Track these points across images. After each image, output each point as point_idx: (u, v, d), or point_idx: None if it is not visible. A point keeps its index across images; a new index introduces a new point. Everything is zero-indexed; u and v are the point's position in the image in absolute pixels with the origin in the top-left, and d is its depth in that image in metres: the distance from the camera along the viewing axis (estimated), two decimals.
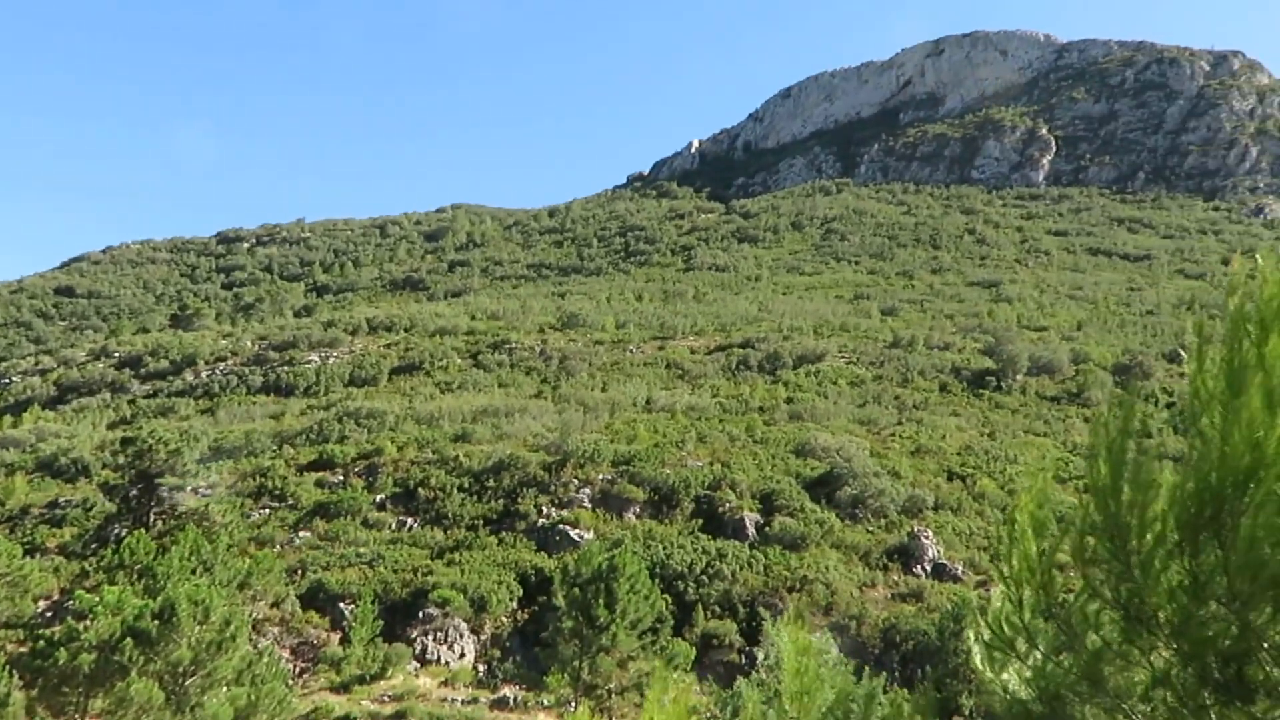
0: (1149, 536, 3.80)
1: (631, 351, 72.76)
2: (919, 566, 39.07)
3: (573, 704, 27.75)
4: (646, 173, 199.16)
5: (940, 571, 38.77)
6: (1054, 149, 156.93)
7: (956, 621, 29.52)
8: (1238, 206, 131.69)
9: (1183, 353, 4.61)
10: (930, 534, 40.66)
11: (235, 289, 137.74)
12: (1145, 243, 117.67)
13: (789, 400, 59.82)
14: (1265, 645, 3.72)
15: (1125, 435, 3.95)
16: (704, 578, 36.73)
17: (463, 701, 30.04)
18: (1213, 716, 4.05)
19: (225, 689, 20.65)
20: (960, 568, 38.74)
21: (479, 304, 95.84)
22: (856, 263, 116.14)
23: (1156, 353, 67.84)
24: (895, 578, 38.36)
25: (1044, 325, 79.99)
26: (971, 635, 4.55)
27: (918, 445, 51.79)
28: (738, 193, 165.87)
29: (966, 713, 23.45)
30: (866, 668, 17.18)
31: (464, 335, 79.86)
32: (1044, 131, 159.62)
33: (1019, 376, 65.54)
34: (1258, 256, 4.04)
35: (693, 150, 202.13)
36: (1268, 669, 3.76)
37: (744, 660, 32.32)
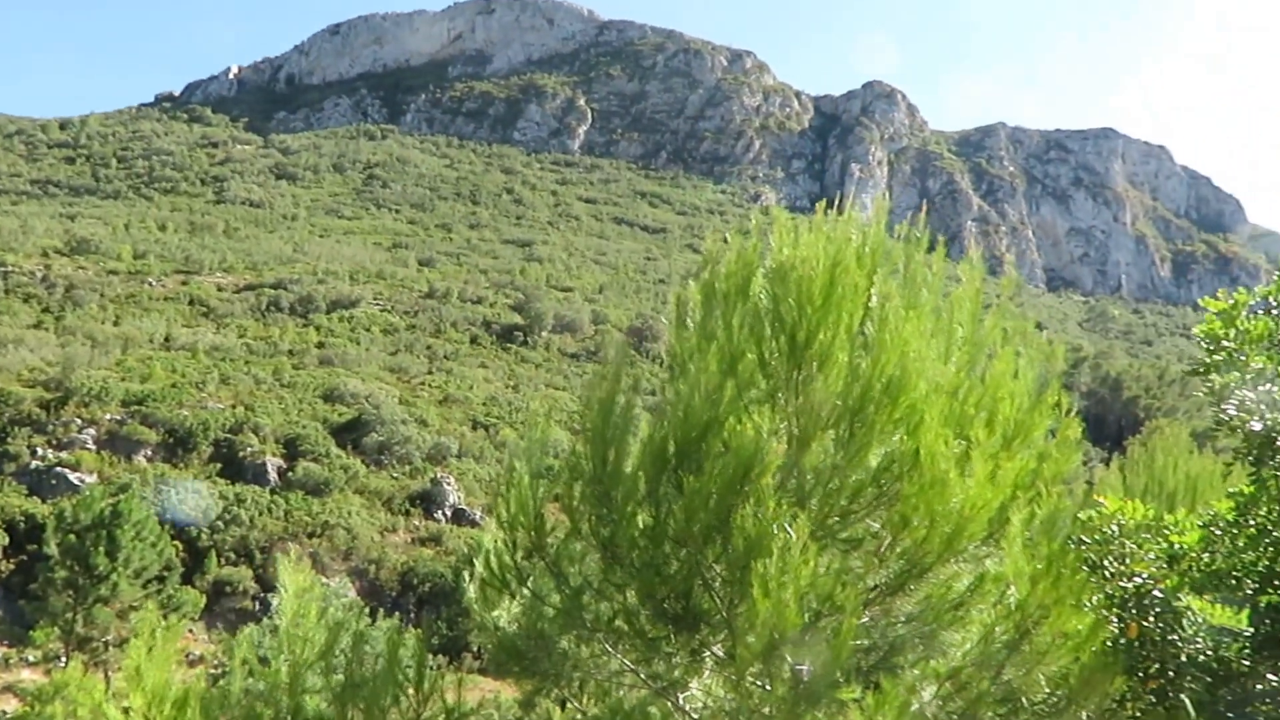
0: (626, 484, 4.31)
1: (151, 284, 66.77)
2: (440, 512, 40.16)
3: (63, 659, 25.34)
4: (178, 94, 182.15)
5: (460, 516, 40.13)
6: (590, 120, 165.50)
7: (471, 564, 30.70)
8: (740, 192, 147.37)
9: (665, 321, 5.32)
10: (453, 480, 41.89)
11: None
12: (663, 217, 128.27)
13: (320, 345, 58.34)
14: (709, 580, 4.38)
15: (613, 392, 4.43)
16: (219, 524, 35.06)
17: None
18: (666, 644, 4.70)
19: None
20: (480, 513, 40.25)
21: None
22: (397, 211, 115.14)
23: (665, 317, 74.49)
24: (417, 523, 39.14)
25: (570, 286, 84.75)
26: (468, 576, 4.89)
27: (446, 394, 52.88)
28: (278, 127, 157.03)
29: (476, 649, 24.56)
30: (381, 610, 17.45)
31: None
32: (582, 103, 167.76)
33: (545, 333, 69.08)
34: (726, 237, 4.72)
35: (231, 76, 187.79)
36: (711, 601, 4.45)
37: (258, 607, 31.31)
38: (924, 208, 4.67)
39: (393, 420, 44.66)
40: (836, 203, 4.62)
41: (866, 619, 4.34)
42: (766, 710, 4.21)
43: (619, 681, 4.93)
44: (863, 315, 4.24)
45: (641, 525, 4.31)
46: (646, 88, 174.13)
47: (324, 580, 25.75)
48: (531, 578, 4.81)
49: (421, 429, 45.48)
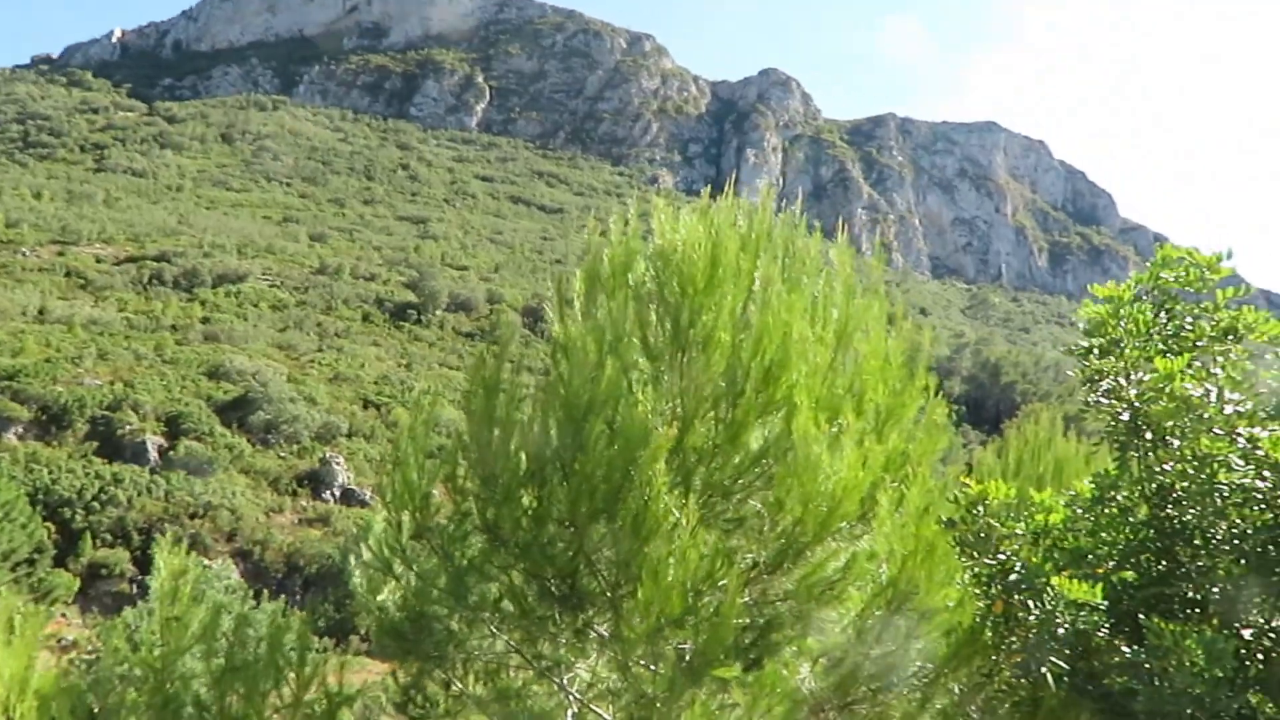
0: (510, 465, 4.30)
1: (24, 254, 63.77)
2: (329, 492, 39.43)
3: None
4: (56, 56, 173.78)
5: (350, 497, 39.46)
6: (488, 98, 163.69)
7: (358, 545, 30.27)
8: (638, 174, 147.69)
9: (548, 305, 5.27)
10: (342, 460, 41.15)
11: None
12: (560, 197, 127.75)
13: (205, 320, 56.59)
14: (595, 562, 4.40)
15: (498, 371, 4.41)
16: (95, 504, 33.77)
17: None
18: (551, 625, 4.70)
19: None
20: (369, 493, 39.64)
21: None
22: (288, 185, 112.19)
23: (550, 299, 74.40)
24: (304, 503, 38.34)
25: (465, 265, 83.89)
26: (353, 559, 4.82)
27: (336, 373, 51.86)
28: (164, 94, 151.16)
29: (364, 632, 24.24)
30: (266, 592, 17.07)
31: None
32: (480, 80, 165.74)
33: (439, 311, 68.24)
34: (611, 222, 4.72)
35: (114, 40, 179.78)
36: (596, 582, 4.46)
37: (136, 590, 30.32)
38: (800, 196, 4.75)
39: (280, 398, 43.60)
40: (725, 187, 4.67)
41: (747, 598, 4.42)
42: (650, 690, 4.26)
43: (504, 662, 4.93)
44: (745, 298, 4.30)
45: (526, 506, 4.31)
46: (546, 67, 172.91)
47: (206, 563, 25.07)
48: (417, 559, 4.77)
49: (310, 407, 44.52)
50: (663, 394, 4.29)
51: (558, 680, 4.81)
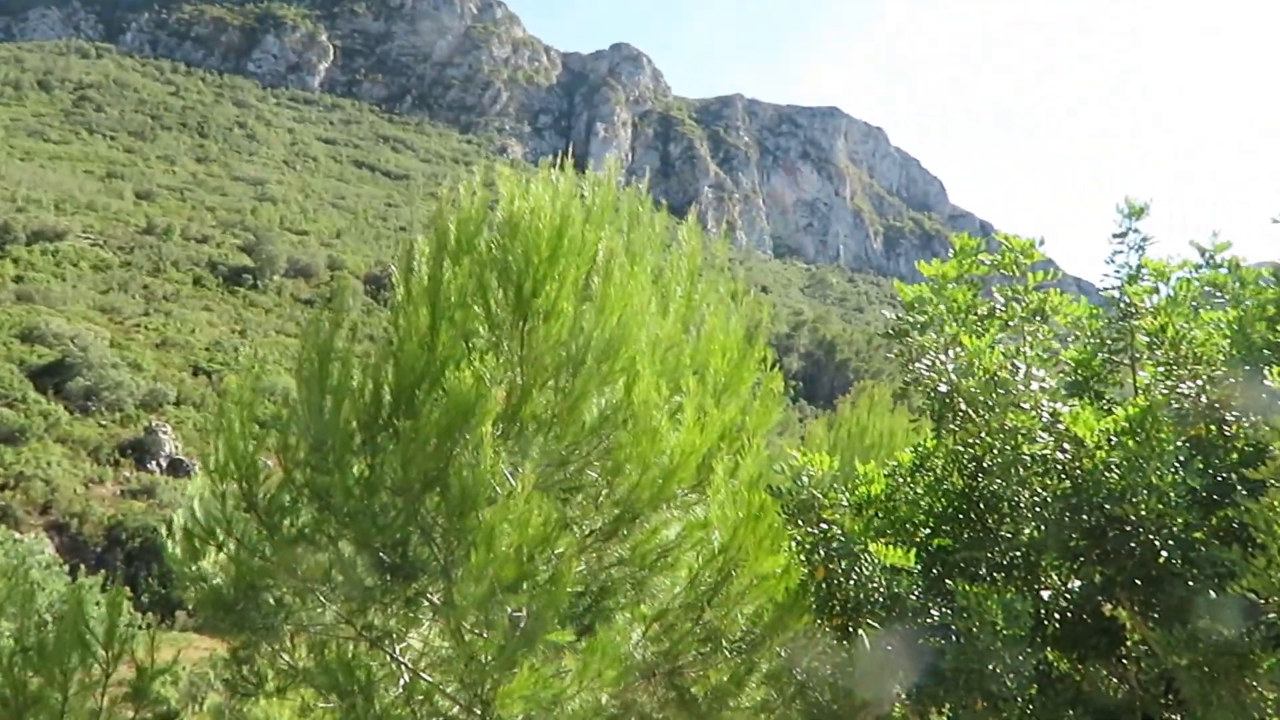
0: (341, 432, 4.22)
1: None
2: (155, 462, 37.75)
3: None
4: None
5: (177, 467, 37.86)
6: (332, 57, 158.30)
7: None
8: (487, 143, 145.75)
9: (393, 270, 5.19)
10: (169, 429, 39.42)
11: None
12: (406, 163, 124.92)
13: (18, 280, 53.13)
14: (428, 529, 4.37)
15: (331, 337, 4.32)
16: None
17: None
18: (383, 594, 4.65)
19: None
20: (198, 463, 38.17)
21: None
22: (113, 138, 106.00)
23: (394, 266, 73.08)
24: (127, 474, 36.61)
25: (305, 230, 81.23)
26: (167, 529, 4.65)
27: (164, 338, 49.58)
28: None
29: (190, 606, 23.39)
30: (83, 566, 16.26)
31: None
32: (324, 38, 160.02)
33: (276, 277, 65.95)
34: (460, 189, 4.67)
35: None
36: (429, 550, 4.44)
37: None
38: (648, 172, 4.81)
39: (102, 364, 41.40)
40: (570, 158, 4.68)
41: (582, 566, 4.48)
42: (483, 656, 4.27)
43: (334, 634, 4.85)
44: (588, 269, 4.33)
45: (357, 474, 4.25)
46: (393, 28, 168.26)
47: (16, 536, 23.68)
48: (243, 529, 4.63)
49: (135, 374, 42.45)
50: (503, 362, 4.29)
51: (389, 650, 4.77)
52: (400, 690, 4.73)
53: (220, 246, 69.43)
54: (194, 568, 4.49)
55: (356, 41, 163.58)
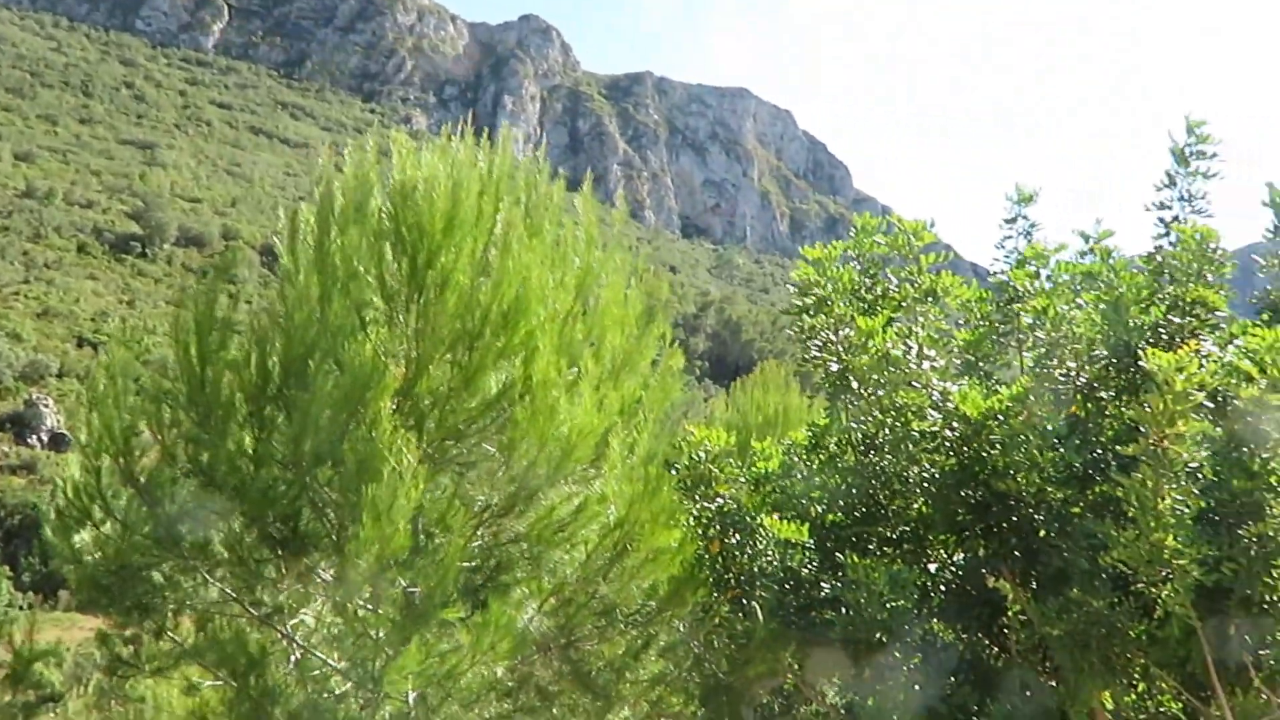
0: (226, 404, 4.11)
1: None
2: (35, 436, 36.39)
3: None
4: None
5: (59, 441, 36.52)
6: (227, 17, 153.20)
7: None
8: (390, 113, 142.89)
9: (277, 240, 5.04)
10: (51, 402, 38.01)
11: None
12: (306, 131, 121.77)
13: None
14: (319, 504, 4.29)
15: (212, 306, 4.18)
16: None
17: None
18: (271, 570, 4.56)
19: None
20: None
21: None
22: None
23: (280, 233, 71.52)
24: (6, 449, 35.25)
25: (198, 197, 78.74)
26: (43, 506, 4.48)
27: (46, 307, 47.70)
28: None
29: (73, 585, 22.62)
30: None
31: None
32: None
33: (167, 245, 63.89)
34: (348, 154, 4.58)
35: None
36: (321, 525, 4.36)
37: None
38: (545, 144, 4.78)
39: None
40: (473, 129, 4.61)
41: (479, 541, 4.45)
42: (374, 632, 4.22)
43: (221, 611, 4.74)
44: (486, 241, 4.28)
45: (244, 447, 4.14)
46: None
47: None
48: (121, 505, 4.47)
49: (14, 344, 40.74)
50: (398, 335, 4.23)
51: (280, 627, 4.68)
52: (291, 667, 4.65)
53: (106, 212, 66.89)
54: (71, 546, 4.32)
55: (253, 2, 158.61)
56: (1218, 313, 4.68)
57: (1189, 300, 4.65)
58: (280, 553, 4.32)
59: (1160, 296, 4.76)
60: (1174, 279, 4.70)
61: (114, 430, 4.06)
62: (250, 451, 3.97)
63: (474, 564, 4.40)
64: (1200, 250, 4.65)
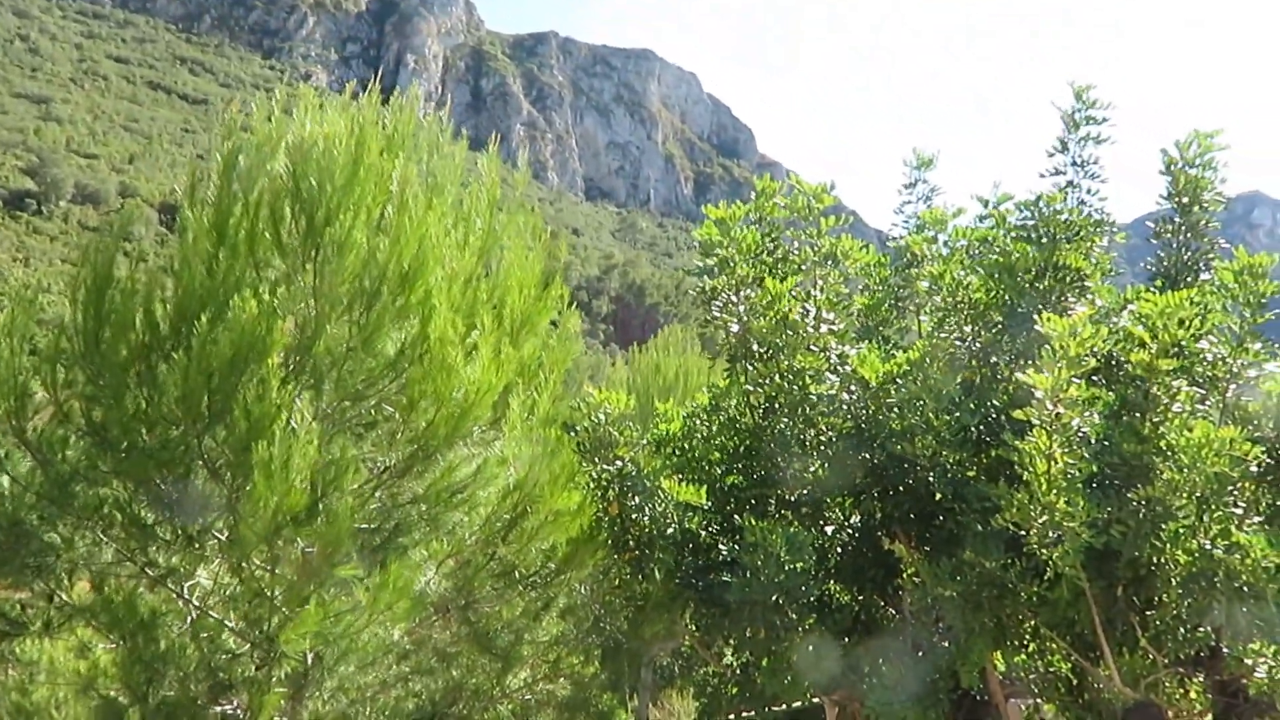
0: (118, 363, 3.98)
1: None
2: None
3: None
4: None
5: None
6: None
7: None
8: (291, 70, 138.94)
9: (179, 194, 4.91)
10: None
11: None
12: (205, 87, 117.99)
13: None
14: (212, 463, 4.19)
15: (109, 264, 4.05)
16: None
17: None
18: (164, 530, 4.45)
19: None
20: None
21: None
22: None
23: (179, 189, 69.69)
24: None
25: (95, 153, 75.97)
26: None
27: None
28: None
29: None
30: None
31: None
32: None
33: (63, 202, 61.65)
34: (253, 109, 4.45)
35: None
36: (214, 485, 4.25)
37: None
38: (450, 104, 4.70)
39: None
40: (375, 87, 4.51)
41: (377, 502, 4.40)
42: (271, 593, 4.15)
43: (114, 571, 4.63)
44: (385, 200, 4.20)
45: (136, 407, 4.02)
46: None
47: None
48: (10, 463, 4.33)
49: None
50: (295, 294, 4.13)
51: (176, 588, 4.58)
52: (186, 627, 4.56)
53: (1, 168, 64.08)
54: None
55: None
56: (1084, 277, 4.80)
57: (1057, 264, 4.78)
58: (173, 512, 4.22)
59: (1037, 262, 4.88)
60: (1040, 244, 4.82)
61: (5, 388, 3.91)
62: (144, 411, 3.86)
63: (373, 525, 4.36)
64: (1068, 219, 4.76)
